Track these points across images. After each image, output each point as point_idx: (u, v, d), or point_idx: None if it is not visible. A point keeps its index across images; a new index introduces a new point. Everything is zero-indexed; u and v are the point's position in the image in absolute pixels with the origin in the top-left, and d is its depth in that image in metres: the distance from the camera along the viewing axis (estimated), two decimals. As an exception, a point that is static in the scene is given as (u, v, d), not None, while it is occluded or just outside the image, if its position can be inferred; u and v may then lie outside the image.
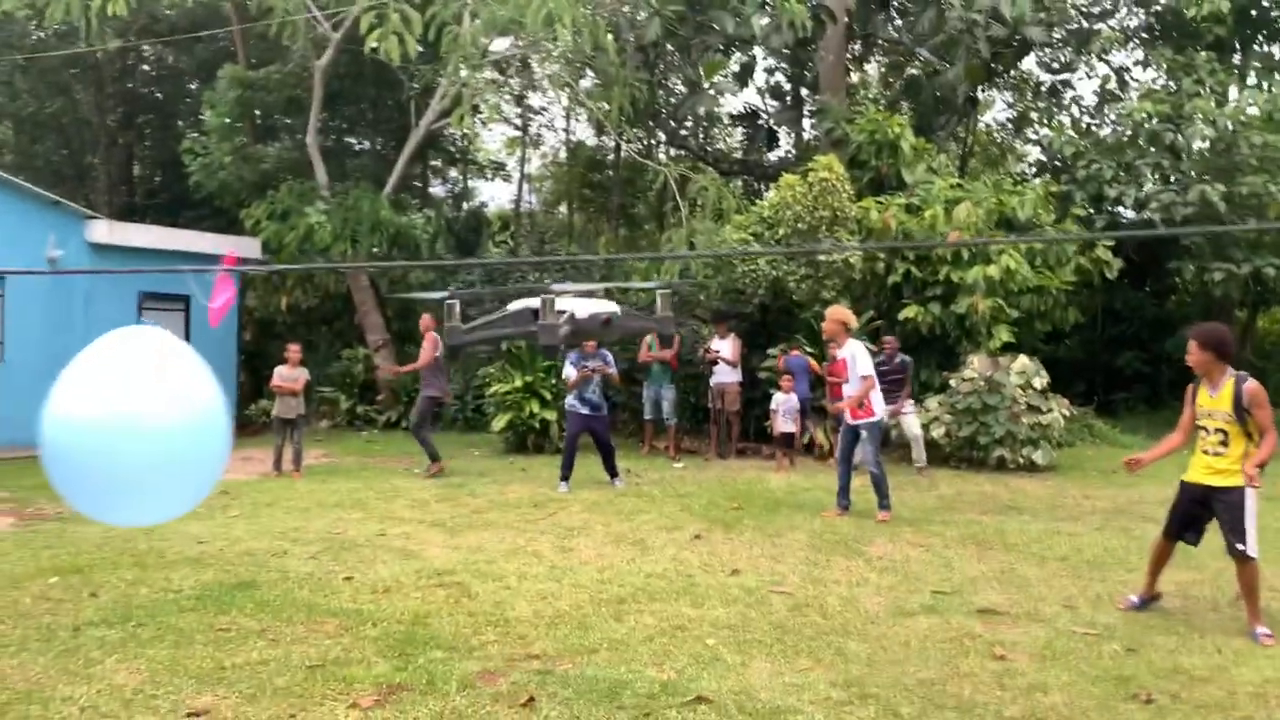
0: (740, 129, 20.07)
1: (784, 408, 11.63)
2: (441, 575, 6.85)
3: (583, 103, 14.65)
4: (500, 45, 15.39)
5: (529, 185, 28.83)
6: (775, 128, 19.28)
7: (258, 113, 18.69)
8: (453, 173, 25.62)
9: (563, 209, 29.57)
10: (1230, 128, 13.97)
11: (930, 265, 12.54)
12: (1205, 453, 5.85)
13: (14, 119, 23.11)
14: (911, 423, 11.25)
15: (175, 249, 15.29)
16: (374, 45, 12.25)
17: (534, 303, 9.02)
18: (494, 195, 44.74)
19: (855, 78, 19.02)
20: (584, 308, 9.32)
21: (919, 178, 13.55)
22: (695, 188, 13.97)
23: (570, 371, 10.33)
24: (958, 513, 9.27)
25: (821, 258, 11.75)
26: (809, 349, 12.26)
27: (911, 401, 11.41)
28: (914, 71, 22.63)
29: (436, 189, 24.33)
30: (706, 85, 16.02)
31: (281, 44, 17.99)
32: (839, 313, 9.09)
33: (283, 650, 5.17)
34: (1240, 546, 5.65)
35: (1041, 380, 11.56)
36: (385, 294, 17.18)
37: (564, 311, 8.96)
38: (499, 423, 13.13)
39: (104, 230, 14.49)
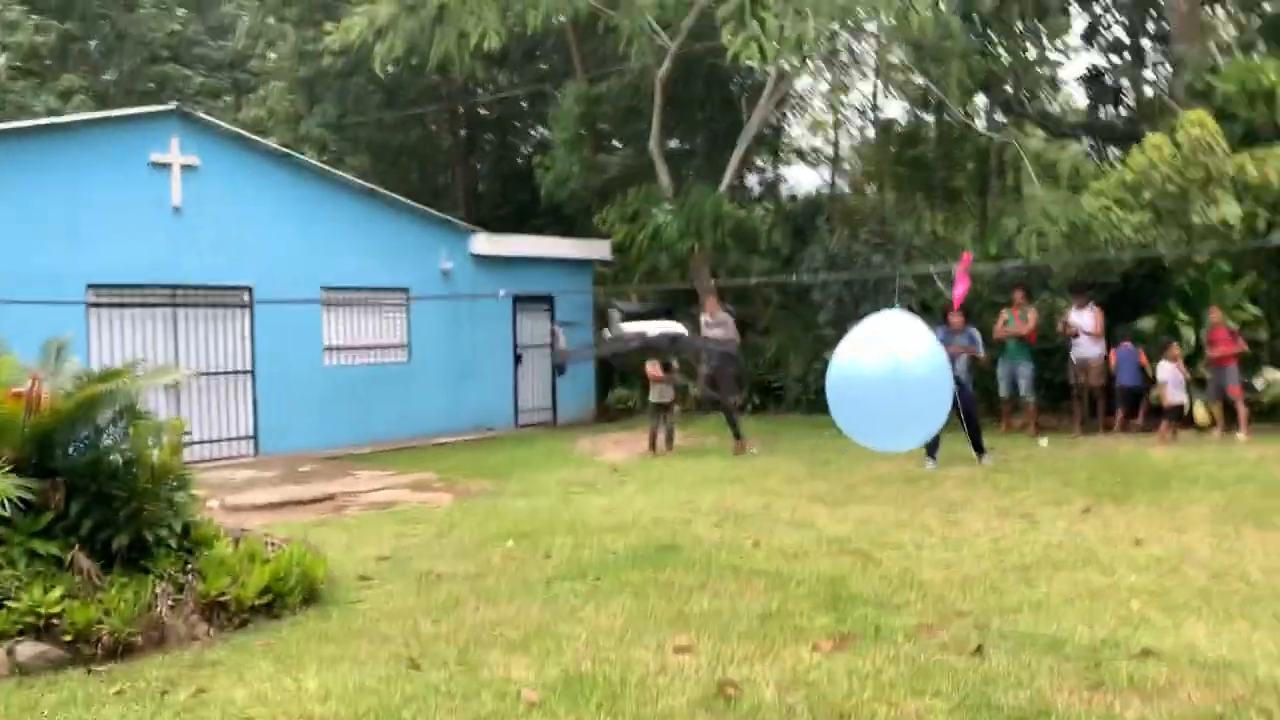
0: (1084, 90, 19.04)
1: (1172, 379, 11.11)
2: (841, 543, 7.31)
3: (918, 79, 14.54)
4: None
5: (838, 168, 28.76)
6: (1119, 86, 18.16)
7: (603, 126, 20.08)
8: (757, 161, 26.16)
9: (871, 189, 29.29)
10: None
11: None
12: None
13: (372, 147, 26.20)
14: None
15: (542, 255, 16.91)
16: (734, 52, 12.88)
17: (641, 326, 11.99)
18: (797, 181, 45.00)
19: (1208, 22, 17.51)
20: (655, 328, 11.94)
21: (1301, 125, 12.37)
22: (1048, 156, 13.54)
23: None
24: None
25: (1196, 219, 11.08)
26: (1182, 315, 11.60)
27: None
28: (1268, 7, 20.47)
29: (750, 179, 25.05)
30: (1050, 49, 15.42)
31: (618, 57, 19.36)
32: None
33: (728, 602, 5.82)
34: None
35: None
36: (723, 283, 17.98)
37: (639, 331, 11.75)
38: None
39: (484, 242, 16.29)
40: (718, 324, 12.84)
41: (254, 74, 28.39)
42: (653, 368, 12.61)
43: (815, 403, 16.20)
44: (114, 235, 12.27)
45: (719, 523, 8.20)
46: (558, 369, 11.55)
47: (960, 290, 7.82)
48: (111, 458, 5.52)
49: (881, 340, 7.01)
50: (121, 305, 12.46)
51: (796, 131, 27.88)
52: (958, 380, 10.43)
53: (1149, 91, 19.66)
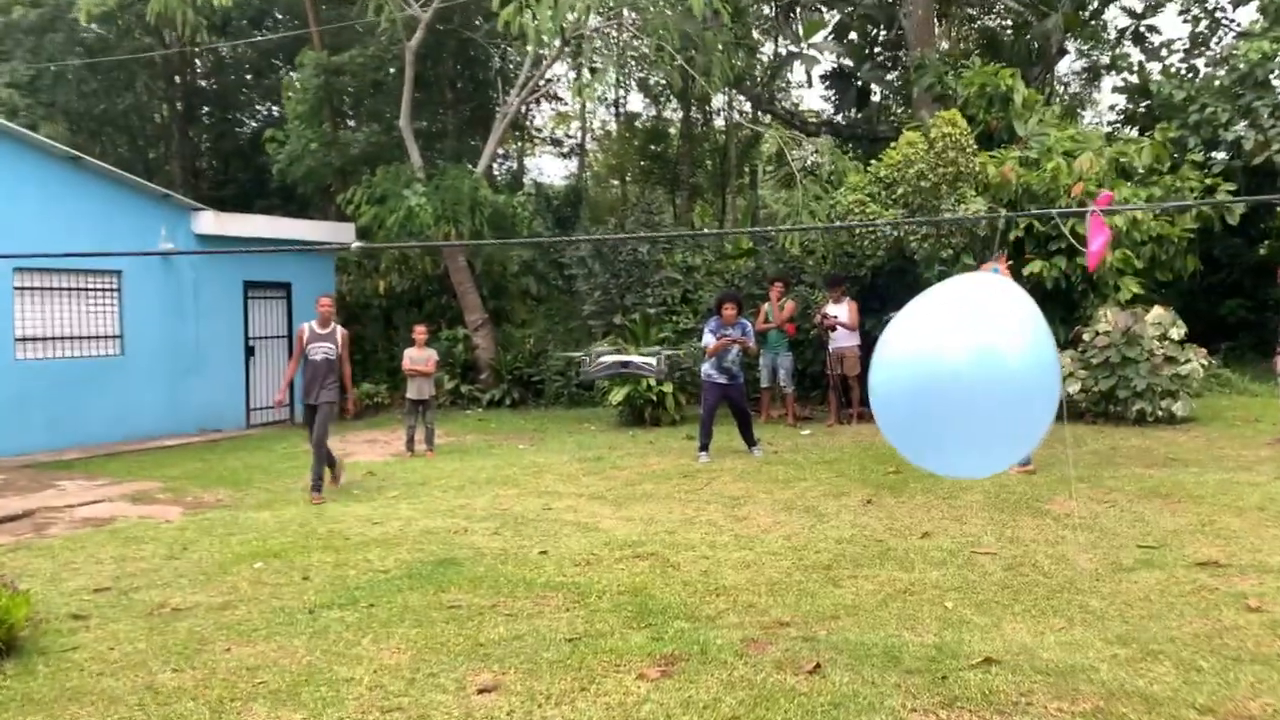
0: (829, 90, 19.73)
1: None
2: (632, 547, 6.85)
3: (673, 67, 14.36)
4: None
5: (582, 160, 28.62)
6: (865, 87, 18.96)
7: (346, 97, 18.67)
8: (505, 148, 25.46)
9: (615, 183, 29.42)
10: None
11: (1052, 219, 12.26)
12: None
13: (71, 114, 23.23)
14: None
15: (276, 235, 15.39)
16: (506, 21, 12.12)
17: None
18: (542, 170, 44.67)
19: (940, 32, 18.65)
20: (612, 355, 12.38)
21: (1032, 130, 13.26)
22: (806, 152, 13.78)
23: (709, 339, 10.27)
24: (1121, 467, 9.10)
25: (945, 214, 11.54)
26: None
27: None
28: (989, 24, 22.23)
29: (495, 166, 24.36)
30: (805, 45, 15.75)
31: (358, 29, 18.05)
32: None
33: (526, 625, 5.18)
34: None
35: (1179, 331, 11.31)
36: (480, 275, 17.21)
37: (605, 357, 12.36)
38: (616, 396, 13.10)
39: (211, 221, 14.60)
40: None
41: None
42: (408, 362, 11.68)
43: (577, 397, 15.84)
44: None
45: (498, 529, 7.52)
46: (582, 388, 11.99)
47: (1098, 245, 5.84)
48: None
49: (974, 320, 4.01)
50: None
51: (542, 121, 27.49)
52: (729, 371, 10.34)
53: (883, 94, 20.79)
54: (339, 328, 9.61)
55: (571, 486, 9.24)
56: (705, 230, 21.42)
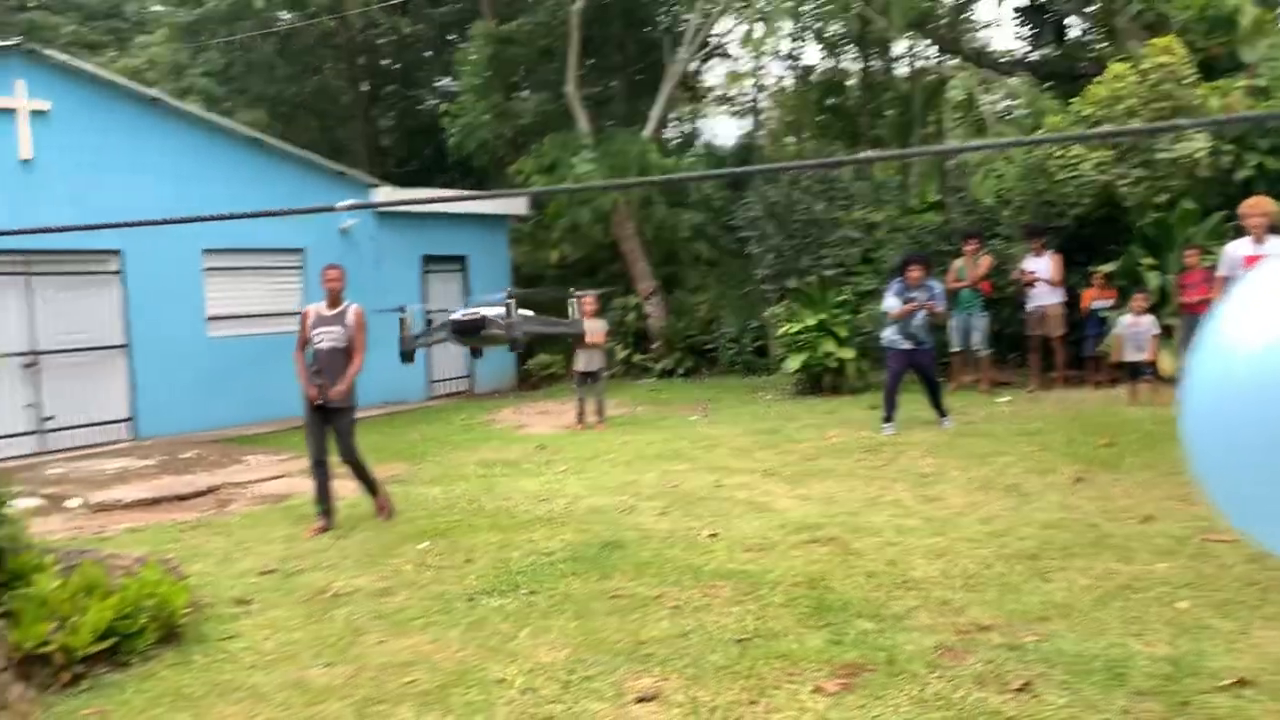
0: (1023, 25, 18.20)
1: (1130, 332, 10.30)
2: (810, 530, 6.29)
3: (850, 12, 13.46)
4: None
5: (756, 118, 27.73)
6: (1062, 20, 17.37)
7: (514, 71, 18.61)
8: (675, 110, 24.88)
9: (791, 140, 28.38)
10: None
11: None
12: None
13: (265, 100, 24.26)
14: None
15: (453, 210, 15.49)
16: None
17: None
18: (716, 132, 43.82)
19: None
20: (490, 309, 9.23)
21: (1263, 55, 11.64)
22: (998, 95, 12.64)
23: (893, 303, 9.50)
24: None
25: (1160, 155, 10.27)
26: (1146, 260, 10.85)
27: None
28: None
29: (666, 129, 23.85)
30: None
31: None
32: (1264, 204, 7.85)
33: (692, 620, 4.74)
34: None
35: None
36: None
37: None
38: (793, 364, 12.46)
39: (389, 197, 14.82)
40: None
41: (133, 22, 26.10)
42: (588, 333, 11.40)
43: (751, 364, 15.27)
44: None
45: (666, 509, 7.12)
46: (404, 356, 8.55)
47: None
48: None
49: None
50: (-39, 274, 10.79)
51: (714, 79, 26.76)
52: (915, 337, 9.55)
53: (1083, 26, 19.01)
54: (352, 306, 7.31)
55: (744, 461, 8.73)
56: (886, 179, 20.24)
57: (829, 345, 12.30)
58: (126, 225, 3.68)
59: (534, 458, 9.70)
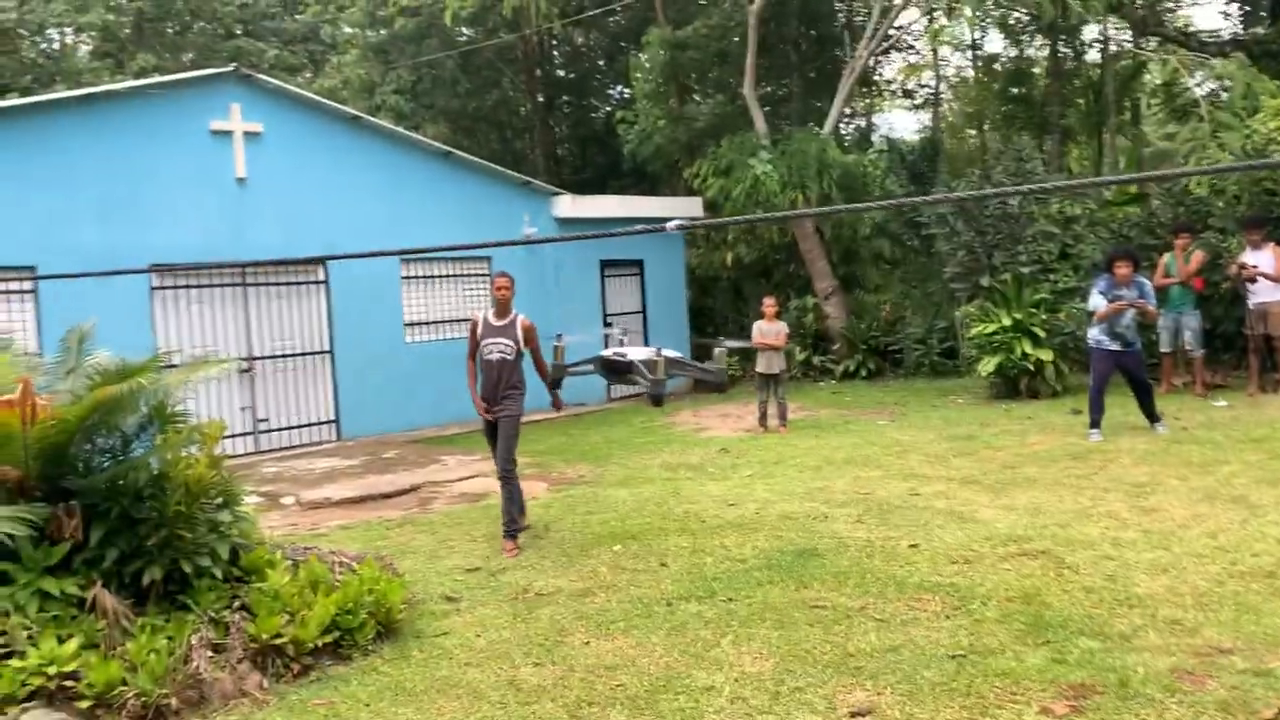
0: (1233, 2, 16.92)
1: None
2: (1018, 542, 6.00)
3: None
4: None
5: (936, 111, 26.82)
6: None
7: (691, 72, 18.67)
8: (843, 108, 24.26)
9: (973, 132, 27.29)
10: None
11: None
12: None
13: (449, 114, 25.17)
14: None
15: (628, 215, 15.68)
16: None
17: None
18: (892, 126, 42.61)
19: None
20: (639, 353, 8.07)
21: None
22: (1203, 77, 11.78)
23: (1099, 302, 8.98)
24: None
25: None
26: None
27: None
28: None
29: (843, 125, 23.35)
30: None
31: (701, 1, 17.93)
32: None
33: (900, 634, 4.59)
34: None
35: None
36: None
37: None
38: (986, 366, 11.96)
39: (568, 204, 15.14)
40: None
41: (328, 45, 27.70)
42: (758, 335, 11.29)
43: (939, 367, 14.79)
44: (176, 210, 11.40)
45: (860, 517, 6.95)
46: (553, 384, 7.46)
47: None
48: (137, 473, 4.50)
49: None
50: (187, 286, 11.65)
51: (891, 73, 26.11)
52: (1123, 338, 9.00)
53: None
54: (520, 317, 7.13)
55: (940, 469, 8.43)
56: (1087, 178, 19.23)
57: (1025, 346, 11.74)
58: (408, 253, 3.85)
59: (718, 461, 9.67)
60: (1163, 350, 11.29)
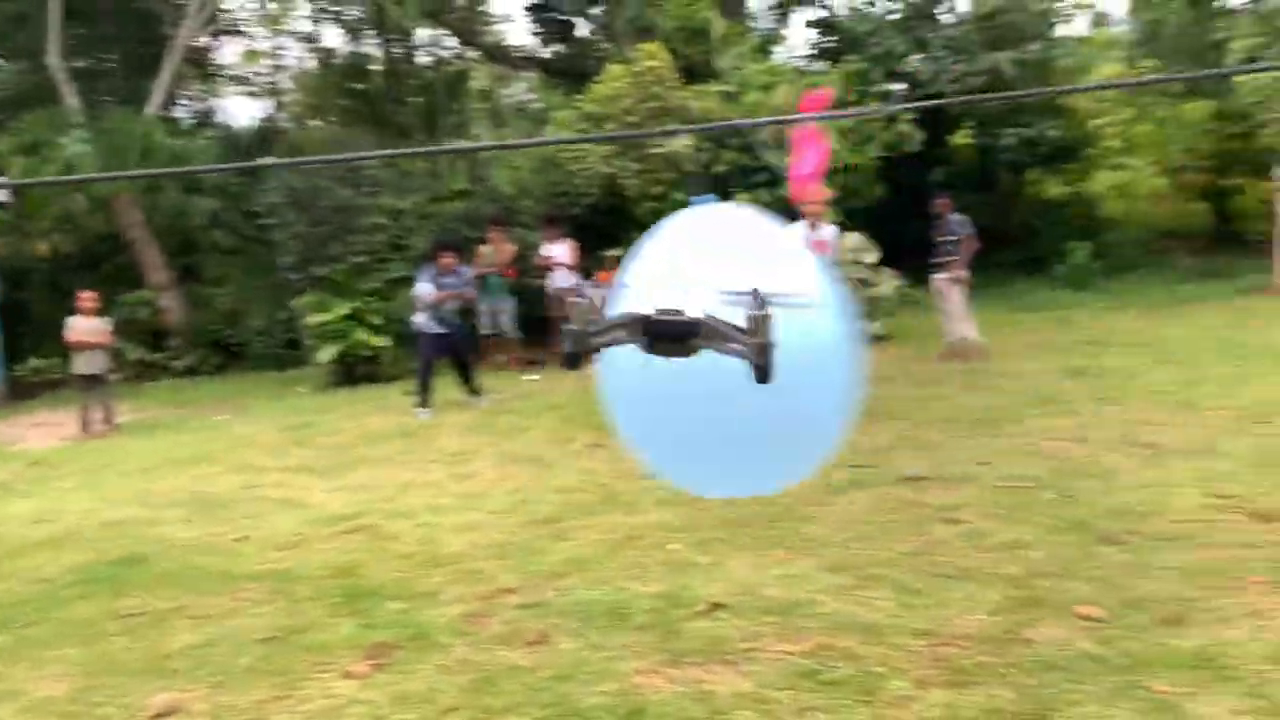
0: (532, 24, 19.18)
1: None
2: (345, 520, 6.31)
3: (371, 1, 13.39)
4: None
5: (277, 100, 26.60)
6: (570, 21, 18.59)
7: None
8: (188, 89, 23.09)
9: (318, 123, 27.56)
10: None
11: (753, 152, 12.55)
12: None
13: None
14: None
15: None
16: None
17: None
18: (233, 113, 40.98)
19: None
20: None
21: (731, 63, 13.46)
22: (510, 87, 13.27)
23: (426, 289, 9.69)
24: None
25: (653, 151, 11.50)
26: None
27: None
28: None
29: (179, 109, 22.07)
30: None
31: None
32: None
33: (219, 628, 4.58)
34: None
35: (872, 255, 11.94)
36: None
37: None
38: (326, 354, 12.23)
39: None
40: None
41: None
42: (73, 334, 10.27)
43: (283, 357, 14.73)
44: None
45: (190, 516, 6.72)
46: (569, 359, 4.84)
47: (812, 164, 3.98)
48: None
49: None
50: None
51: (230, 58, 25.18)
52: (449, 322, 9.85)
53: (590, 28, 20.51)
54: None
55: (278, 459, 8.45)
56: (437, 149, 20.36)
57: (362, 334, 12.23)
58: None
59: (29, 476, 8.62)
60: (483, 332, 12.57)
